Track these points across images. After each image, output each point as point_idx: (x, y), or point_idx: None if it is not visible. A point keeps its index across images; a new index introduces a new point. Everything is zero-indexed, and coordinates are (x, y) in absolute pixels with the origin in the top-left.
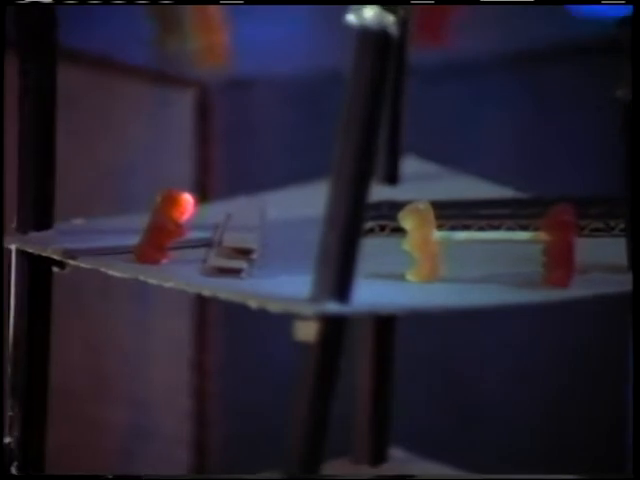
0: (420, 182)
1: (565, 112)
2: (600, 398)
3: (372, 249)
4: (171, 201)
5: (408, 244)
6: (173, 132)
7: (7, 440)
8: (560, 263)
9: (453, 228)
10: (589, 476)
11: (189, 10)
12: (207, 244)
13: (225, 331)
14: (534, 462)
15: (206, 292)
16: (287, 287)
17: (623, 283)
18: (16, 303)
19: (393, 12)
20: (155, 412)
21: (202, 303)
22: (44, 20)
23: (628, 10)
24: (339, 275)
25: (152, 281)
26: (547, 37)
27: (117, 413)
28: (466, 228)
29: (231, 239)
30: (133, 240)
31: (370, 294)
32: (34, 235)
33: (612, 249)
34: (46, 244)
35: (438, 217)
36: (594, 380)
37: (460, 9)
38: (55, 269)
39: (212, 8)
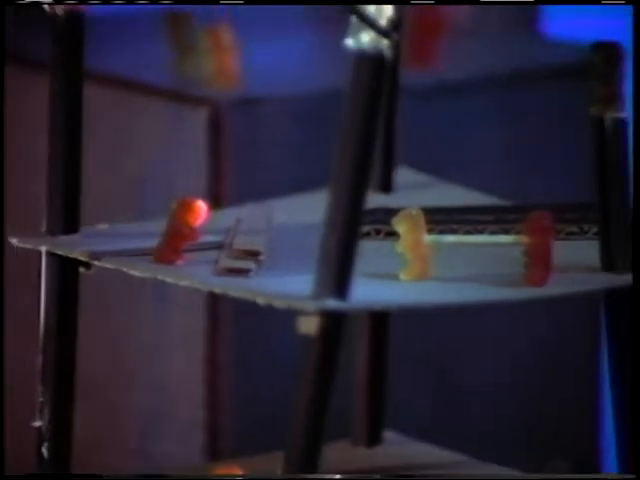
0: (412, 191)
1: (542, 129)
2: (572, 386)
3: (368, 251)
4: (186, 208)
5: (401, 246)
6: (188, 146)
7: (38, 423)
8: (539, 263)
9: (442, 232)
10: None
11: (203, 36)
12: (218, 247)
13: (235, 326)
14: (512, 442)
15: (217, 290)
16: (291, 285)
17: (596, 282)
18: (46, 300)
19: (387, 37)
20: (172, 399)
21: (214, 300)
22: (73, 44)
23: (599, 36)
24: (338, 274)
25: (169, 280)
26: (526, 61)
27: (138, 399)
28: (454, 232)
29: (240, 242)
30: (152, 243)
31: (366, 292)
32: (62, 238)
33: (586, 251)
34: (73, 247)
35: (428, 222)
36: (566, 371)
37: (448, 35)
38: (81, 269)
39: (224, 34)
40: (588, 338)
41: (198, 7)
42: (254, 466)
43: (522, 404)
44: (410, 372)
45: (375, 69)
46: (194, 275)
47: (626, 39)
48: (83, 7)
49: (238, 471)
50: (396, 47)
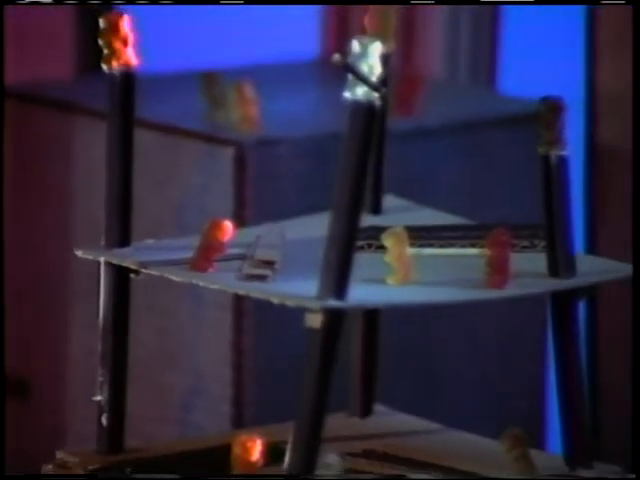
0: (396, 213)
1: (503, 165)
2: (524, 371)
3: (362, 261)
4: (216, 227)
5: (388, 257)
6: (218, 178)
7: (98, 398)
8: (498, 271)
9: (421, 246)
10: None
11: (230, 91)
12: (242, 258)
13: (255, 320)
14: (478, 414)
15: (241, 292)
16: (300, 288)
17: (544, 286)
18: (104, 300)
19: (377, 91)
20: (205, 378)
21: (239, 300)
22: (126, 96)
23: (545, 92)
24: (338, 280)
25: (202, 284)
26: (486, 110)
27: (178, 379)
28: (430, 246)
29: (259, 254)
30: (188, 255)
31: (361, 293)
32: (117, 251)
33: (536, 261)
34: (125, 257)
35: (410, 238)
36: (521, 358)
37: (424, 89)
38: (132, 275)
39: (247, 89)
40: (537, 331)
41: (227, 69)
42: (271, 433)
43: (485, 384)
44: (394, 357)
45: (367, 116)
46: (222, 280)
47: (568, 93)
48: (135, 67)
49: (259, 437)
50: (384, 99)
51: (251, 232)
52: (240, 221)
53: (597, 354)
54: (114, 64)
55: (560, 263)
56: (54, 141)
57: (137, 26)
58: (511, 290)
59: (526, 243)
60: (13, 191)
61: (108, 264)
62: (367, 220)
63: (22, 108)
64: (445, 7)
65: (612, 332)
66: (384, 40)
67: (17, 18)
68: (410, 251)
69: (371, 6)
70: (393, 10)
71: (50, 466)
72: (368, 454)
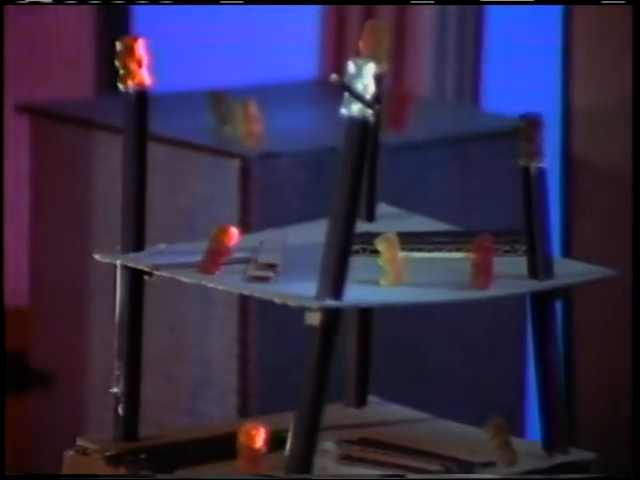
0: (389, 220)
1: (487, 176)
2: (506, 363)
3: (357, 264)
4: (223, 232)
5: (381, 261)
6: (225, 188)
7: (115, 389)
8: (482, 273)
9: (412, 250)
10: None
11: (236, 109)
12: (247, 261)
13: (259, 318)
14: (464, 404)
15: (246, 292)
16: (300, 289)
17: (524, 286)
18: (120, 299)
19: (371, 108)
20: (213, 370)
21: (244, 300)
22: (141, 113)
23: (524, 109)
24: (335, 281)
25: (210, 285)
26: (471, 126)
27: (188, 371)
28: (420, 250)
29: (263, 258)
30: (197, 258)
31: (356, 294)
32: (132, 255)
33: (517, 264)
34: (140, 260)
35: (401, 243)
36: (503, 353)
37: (414, 107)
38: (146, 277)
39: (251, 107)
40: (517, 328)
41: (233, 88)
42: (274, 421)
43: (470, 376)
44: (387, 353)
45: (362, 131)
46: (229, 282)
47: (545, 110)
48: (149, 86)
49: (263, 426)
50: (377, 115)
51: (255, 237)
52: (245, 227)
53: (572, 349)
54: (129, 84)
55: (539, 266)
56: (75, 154)
57: (151, 48)
58: (494, 291)
59: (508, 248)
60: (38, 200)
61: (124, 267)
62: (362, 226)
63: (47, 125)
64: (433, 32)
65: (586, 329)
66: (377, 61)
67: (42, 43)
68: (401, 255)
69: (365, 30)
70: (386, 34)
71: (71, 452)
72: (363, 441)
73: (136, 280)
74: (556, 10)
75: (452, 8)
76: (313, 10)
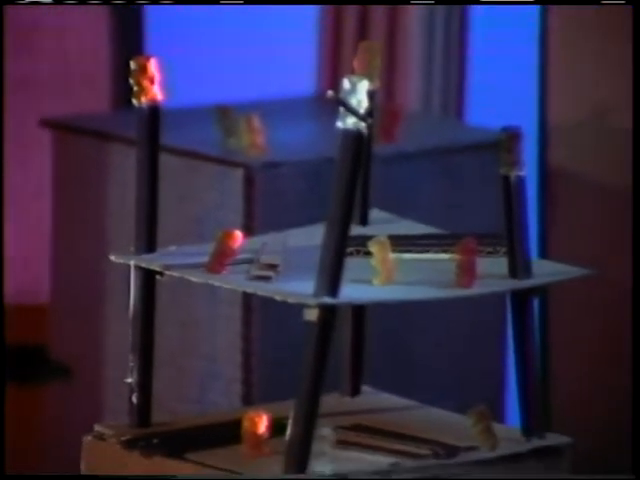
0: (381, 224)
1: (470, 183)
2: (488, 356)
3: (352, 265)
4: (228, 235)
5: (374, 261)
6: (230, 195)
7: (129, 380)
8: (466, 273)
9: (401, 252)
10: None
11: (240, 122)
12: (250, 262)
13: (261, 315)
14: (448, 393)
15: (249, 290)
16: (299, 287)
17: (505, 285)
18: (133, 297)
19: (364, 121)
20: (219, 362)
21: (247, 297)
22: (153, 126)
23: (504, 123)
24: (331, 280)
25: (217, 284)
26: (456, 138)
27: (196, 363)
28: (409, 252)
29: (265, 258)
30: (205, 259)
31: (350, 292)
32: (145, 256)
33: (498, 265)
34: (152, 261)
35: (392, 245)
36: (485, 346)
37: (404, 121)
38: (157, 277)
39: (254, 120)
40: (498, 323)
41: (238, 103)
42: (275, 409)
43: (455, 368)
44: (379, 346)
45: (356, 143)
46: (233, 281)
47: (524, 124)
48: (160, 101)
49: (265, 414)
50: (370, 128)
51: (258, 240)
52: (248, 231)
53: (548, 343)
54: (143, 99)
55: (518, 266)
56: (94, 165)
57: (162, 67)
58: (477, 289)
59: (490, 249)
60: (59, 207)
61: (137, 267)
62: (356, 230)
63: (67, 138)
64: (420, 52)
65: (562, 324)
66: (370, 79)
67: (63, 63)
68: (392, 256)
69: (359, 50)
70: (377, 53)
71: (89, 437)
72: (357, 428)
73: (148, 279)
74: (534, 29)
75: (439, 29)
76: (311, 31)
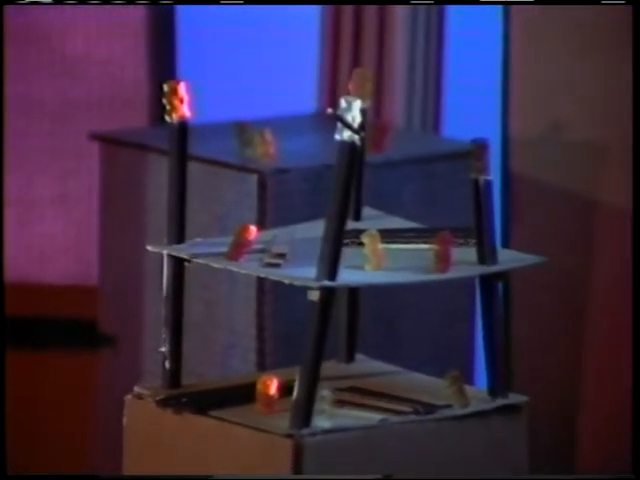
0: (372, 220)
1: (446, 186)
2: (461, 329)
3: (347, 253)
4: (245, 230)
5: (366, 251)
6: (247, 196)
7: (162, 349)
8: (443, 260)
9: (389, 242)
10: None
11: (255, 135)
12: (263, 251)
13: (273, 295)
14: (428, 361)
15: (263, 275)
16: (303, 273)
17: (475, 271)
18: (166, 280)
19: (358, 134)
20: (238, 335)
21: (261, 281)
22: (181, 138)
23: (473, 135)
24: (330, 267)
25: (235, 270)
26: (433, 149)
27: (218, 335)
28: (396, 242)
29: (275, 248)
30: (225, 249)
31: (346, 276)
32: (175, 246)
33: (469, 254)
34: (181, 251)
35: (381, 237)
36: (458, 321)
37: (391, 134)
38: (186, 263)
39: (267, 134)
40: (469, 302)
41: (253, 120)
42: (284, 374)
43: (433, 339)
44: (370, 321)
45: (351, 152)
46: (249, 267)
47: (491, 136)
48: (188, 118)
49: (275, 377)
50: (362, 140)
51: (269, 234)
52: (261, 226)
53: (510, 318)
54: (174, 116)
55: (486, 255)
56: (134, 171)
57: (190, 89)
58: (451, 274)
59: (462, 241)
60: (106, 207)
61: (169, 255)
62: (351, 225)
63: (112, 149)
64: (404, 77)
65: (522, 304)
66: (362, 99)
67: (109, 86)
68: (381, 246)
69: (353, 75)
70: (369, 78)
71: (130, 397)
72: (351, 389)
73: (178, 266)
74: (497, 54)
75: (419, 58)
76: (313, 60)
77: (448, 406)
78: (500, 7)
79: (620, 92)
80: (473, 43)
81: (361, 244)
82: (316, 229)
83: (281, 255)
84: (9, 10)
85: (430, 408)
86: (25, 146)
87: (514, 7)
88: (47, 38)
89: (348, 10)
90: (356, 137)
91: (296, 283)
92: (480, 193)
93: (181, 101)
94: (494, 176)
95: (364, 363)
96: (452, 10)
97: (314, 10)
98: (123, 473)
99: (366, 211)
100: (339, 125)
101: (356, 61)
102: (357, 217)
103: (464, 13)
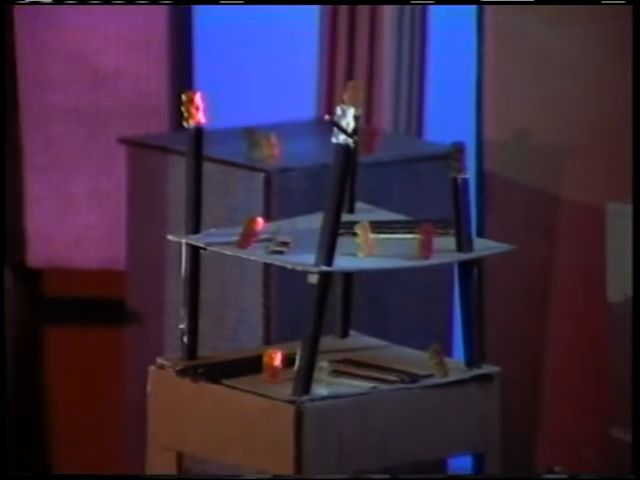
0: (364, 213)
1: (429, 184)
2: (441, 308)
3: (342, 242)
4: (253, 221)
5: (359, 240)
6: (254, 192)
7: (181, 325)
8: (426, 248)
9: (379, 232)
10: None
11: (262, 139)
12: (268, 240)
13: (278, 278)
14: (412, 336)
15: (268, 261)
16: (304, 259)
17: (454, 257)
18: (185, 265)
19: (352, 137)
20: (247, 313)
21: (267, 266)
22: (198, 142)
23: (453, 139)
24: (327, 254)
25: (244, 257)
26: (417, 151)
27: (230, 313)
28: (384, 232)
29: (280, 237)
30: (235, 238)
31: (341, 262)
32: (192, 236)
33: (449, 242)
34: (197, 240)
35: (372, 228)
36: (439, 302)
37: (380, 138)
38: (201, 251)
39: (272, 138)
40: (448, 285)
41: (260, 125)
42: (288, 347)
43: (417, 317)
44: (362, 301)
45: (345, 154)
46: (256, 254)
47: (467, 139)
48: (204, 124)
49: (280, 350)
50: (356, 143)
51: (274, 225)
52: (268, 218)
53: (485, 299)
54: (191, 122)
55: (463, 243)
56: (156, 170)
57: (205, 99)
58: (433, 260)
59: (442, 231)
60: (132, 202)
61: (187, 244)
62: (345, 217)
63: (137, 151)
64: (390, 88)
65: (495, 286)
66: (356, 107)
67: (134, 97)
68: (372, 236)
69: (347, 86)
70: (361, 89)
71: (153, 367)
72: (346, 361)
73: (195, 253)
74: (471, 68)
75: (404, 72)
76: (313, 73)
77: (430, 375)
78: (476, 16)
79: (585, 97)
80: (452, 55)
81: (354, 234)
82: (315, 221)
83: (285, 243)
84: (48, 30)
85: (415, 377)
86: (65, 149)
87: (487, 16)
88: (83, 55)
89: (343, 24)
90: (350, 140)
91: (298, 268)
92: (458, 190)
93: (197, 109)
94: (470, 175)
95: (357, 338)
96: (434, 25)
97: (313, 29)
98: (147, 432)
99: (359, 205)
100: (335, 130)
101: (350, 74)
102: (351, 210)
103: (445, 27)
